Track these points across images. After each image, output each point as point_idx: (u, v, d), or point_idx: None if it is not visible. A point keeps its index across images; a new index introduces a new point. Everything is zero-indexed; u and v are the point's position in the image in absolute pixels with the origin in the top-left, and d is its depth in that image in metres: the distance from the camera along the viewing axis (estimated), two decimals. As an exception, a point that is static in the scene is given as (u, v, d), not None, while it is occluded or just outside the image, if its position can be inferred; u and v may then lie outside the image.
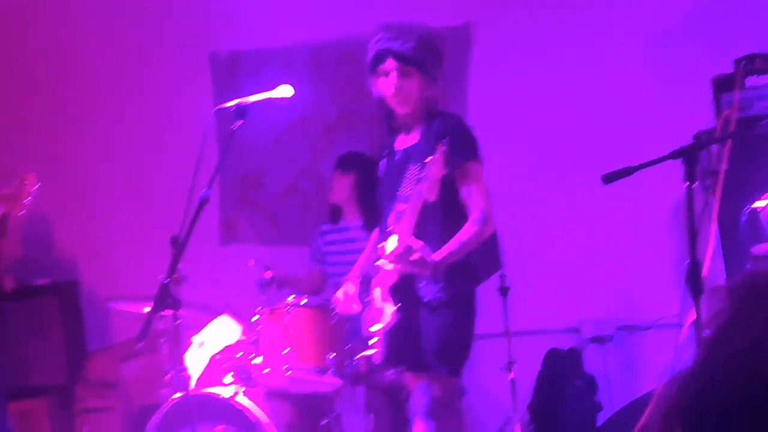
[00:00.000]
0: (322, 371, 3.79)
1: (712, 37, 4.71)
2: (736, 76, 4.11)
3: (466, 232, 3.31)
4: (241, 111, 3.47)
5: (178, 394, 3.96)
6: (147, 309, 4.03)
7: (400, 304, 3.33)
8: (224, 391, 4.03)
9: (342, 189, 4.74)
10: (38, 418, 5.41)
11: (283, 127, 5.39)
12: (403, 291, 3.35)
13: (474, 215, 3.33)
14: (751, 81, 4.11)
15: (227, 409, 3.97)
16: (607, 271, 4.83)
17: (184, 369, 3.73)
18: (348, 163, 4.75)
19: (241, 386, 4.05)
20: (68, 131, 5.91)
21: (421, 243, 3.16)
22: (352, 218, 4.73)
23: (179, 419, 3.87)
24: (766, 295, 1.31)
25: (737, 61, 4.14)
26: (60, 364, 5.56)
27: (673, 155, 3.00)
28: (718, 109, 4.15)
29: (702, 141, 3.55)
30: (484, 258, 3.55)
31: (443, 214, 3.34)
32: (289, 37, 5.38)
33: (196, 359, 4.36)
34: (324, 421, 4.09)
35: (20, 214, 4.04)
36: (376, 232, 3.71)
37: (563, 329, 4.91)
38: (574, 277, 4.85)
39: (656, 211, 4.75)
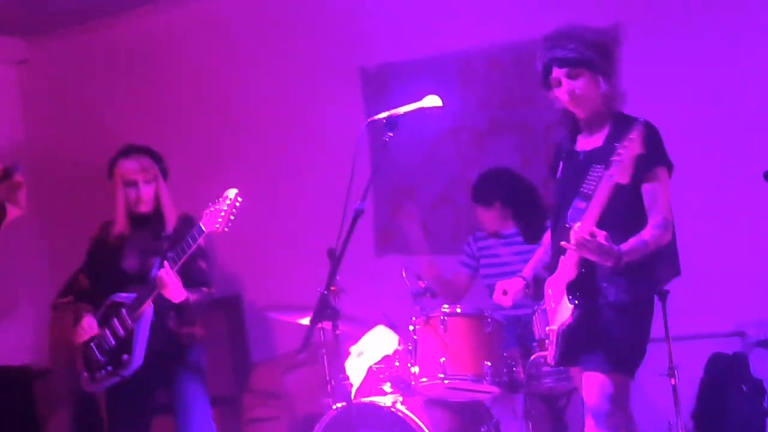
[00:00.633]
0: (479, 379, 3.80)
1: None
2: None
3: (647, 233, 3.29)
4: (392, 123, 3.52)
5: (340, 404, 4.05)
6: (305, 320, 4.15)
7: (577, 302, 3.31)
8: (384, 400, 4.08)
9: (491, 221, 4.71)
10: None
11: (433, 138, 5.43)
12: (581, 289, 3.33)
13: (656, 219, 3.31)
14: None
15: (388, 418, 4.02)
16: (773, 271, 4.66)
17: (346, 378, 3.80)
18: (488, 196, 4.67)
19: (400, 395, 4.10)
20: (225, 148, 6.15)
21: (605, 232, 3.13)
22: (510, 229, 4.72)
23: (341, 428, 3.94)
24: None
25: None
26: (227, 376, 5.76)
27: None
28: None
29: None
30: (665, 262, 3.51)
31: (626, 215, 3.32)
32: (436, 47, 5.43)
33: (355, 369, 4.44)
34: (483, 429, 4.10)
35: (224, 230, 4.11)
36: (548, 235, 3.71)
37: (727, 333, 4.75)
38: (737, 278, 4.69)
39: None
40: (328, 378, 4.35)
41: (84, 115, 6.53)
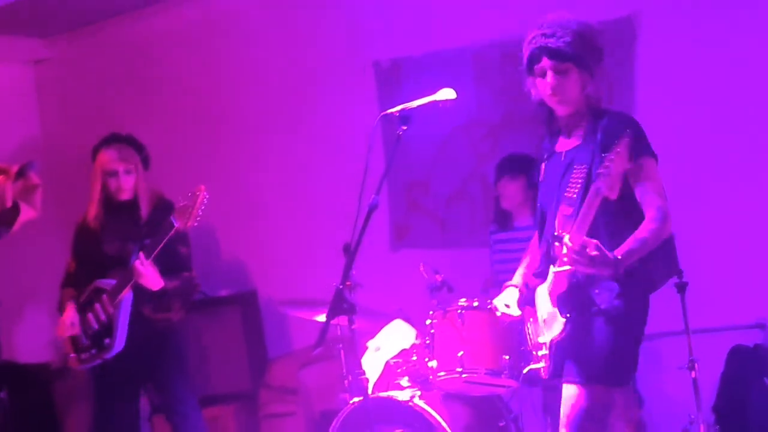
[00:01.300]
0: (497, 373, 3.78)
1: None
2: None
3: (644, 230, 3.14)
4: (406, 116, 3.49)
5: (357, 399, 4.04)
6: (321, 317, 4.16)
7: (569, 315, 3.22)
8: (401, 395, 4.07)
9: (514, 194, 4.72)
10: (225, 423, 5.63)
11: (447, 132, 5.41)
12: (572, 300, 3.23)
13: (651, 213, 3.17)
14: None
15: (405, 413, 4.01)
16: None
17: (362, 373, 3.79)
18: (515, 167, 4.71)
19: (418, 389, 4.09)
20: (240, 143, 6.16)
21: (596, 241, 3.01)
22: (525, 220, 4.70)
23: (359, 423, 3.94)
24: None
25: None
26: (243, 372, 5.76)
27: None
28: None
29: None
30: (660, 263, 3.36)
31: (616, 214, 3.20)
32: (450, 41, 5.40)
33: (372, 364, 4.44)
34: (501, 423, 4.08)
35: (194, 225, 4.23)
36: (534, 241, 3.62)
37: (747, 325, 4.71)
38: (757, 269, 4.64)
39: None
40: (345, 373, 4.35)
41: (100, 115, 6.54)
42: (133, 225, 4.48)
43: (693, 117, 4.82)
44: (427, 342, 3.96)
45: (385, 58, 5.63)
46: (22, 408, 5.92)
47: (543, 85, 3.32)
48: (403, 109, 3.50)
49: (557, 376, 3.32)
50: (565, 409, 3.27)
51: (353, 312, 3.42)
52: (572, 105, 3.32)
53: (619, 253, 3.06)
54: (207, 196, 4.21)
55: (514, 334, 3.88)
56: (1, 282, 6.31)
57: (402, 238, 5.65)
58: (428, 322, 3.97)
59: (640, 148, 3.17)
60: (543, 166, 3.50)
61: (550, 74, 3.29)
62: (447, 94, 3.56)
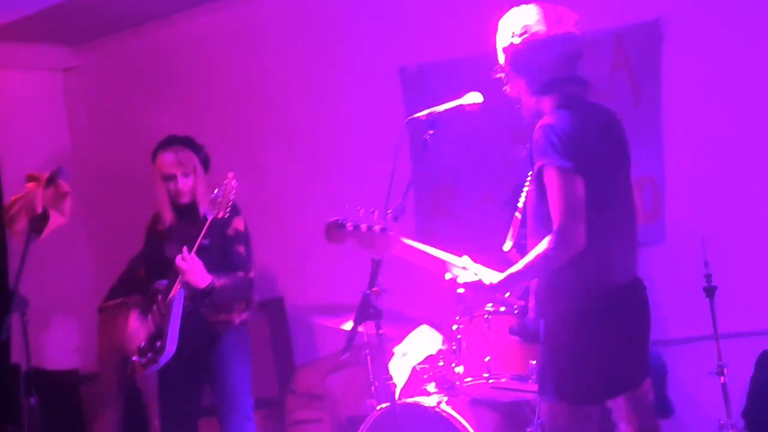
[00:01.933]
0: (525, 378, 3.77)
1: None
2: None
3: (533, 253, 3.00)
4: (433, 121, 3.50)
5: (383, 405, 4.04)
6: (347, 325, 4.15)
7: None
8: (428, 401, 4.06)
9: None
10: (253, 430, 5.64)
11: (474, 136, 5.41)
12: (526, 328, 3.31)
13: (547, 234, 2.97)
14: None
15: (433, 418, 4.00)
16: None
17: (389, 379, 3.78)
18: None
19: (444, 395, 4.08)
20: (265, 150, 6.18)
21: (478, 265, 3.07)
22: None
23: (385, 429, 3.93)
24: None
25: None
26: (270, 379, 5.77)
27: None
28: None
29: None
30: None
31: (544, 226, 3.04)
32: (475, 46, 5.39)
33: (399, 370, 4.43)
34: (529, 429, 4.06)
35: (226, 216, 4.19)
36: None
37: (777, 330, 4.68)
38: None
39: None
40: (371, 379, 4.35)
41: (129, 122, 6.59)
42: (193, 227, 4.35)
43: (720, 120, 4.79)
44: (454, 347, 3.96)
45: (412, 64, 5.63)
46: (51, 414, 5.96)
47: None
48: (429, 114, 3.51)
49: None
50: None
51: (380, 317, 3.42)
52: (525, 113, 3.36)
53: (495, 280, 3.11)
54: (236, 184, 4.17)
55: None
56: (30, 289, 6.36)
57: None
58: (454, 327, 3.97)
59: (538, 156, 3.05)
60: None
61: None
62: (474, 98, 3.55)
